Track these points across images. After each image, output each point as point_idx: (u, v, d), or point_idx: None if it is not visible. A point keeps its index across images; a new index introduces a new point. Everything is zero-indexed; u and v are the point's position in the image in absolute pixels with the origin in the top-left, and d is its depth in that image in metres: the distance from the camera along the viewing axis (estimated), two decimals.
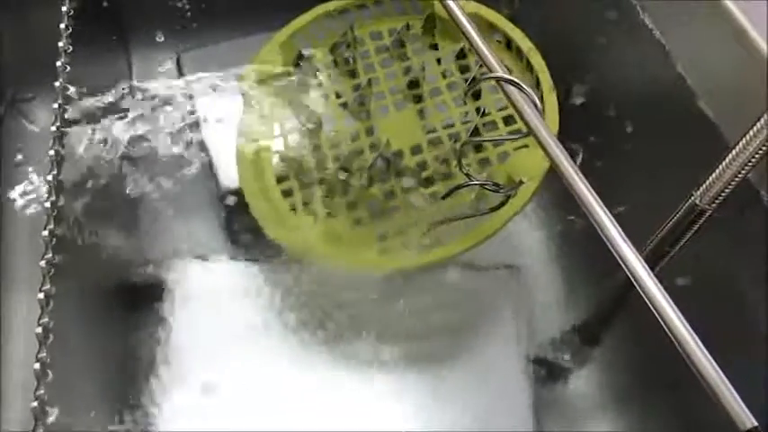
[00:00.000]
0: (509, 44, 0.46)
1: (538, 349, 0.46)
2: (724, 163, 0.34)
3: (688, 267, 0.39)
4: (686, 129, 0.42)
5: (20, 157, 0.51)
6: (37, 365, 0.30)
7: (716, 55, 0.40)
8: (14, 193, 0.49)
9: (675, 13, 0.42)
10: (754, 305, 0.39)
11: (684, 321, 0.25)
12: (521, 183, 0.38)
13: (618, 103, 0.47)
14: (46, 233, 0.34)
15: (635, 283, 0.26)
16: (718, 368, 0.24)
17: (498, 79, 0.31)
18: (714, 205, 0.36)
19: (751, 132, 0.33)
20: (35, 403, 0.29)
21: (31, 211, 0.49)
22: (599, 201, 0.28)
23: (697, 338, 0.24)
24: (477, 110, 0.45)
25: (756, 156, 0.33)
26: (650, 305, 0.26)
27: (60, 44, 0.41)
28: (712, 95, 0.40)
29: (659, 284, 0.26)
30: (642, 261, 0.26)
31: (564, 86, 0.43)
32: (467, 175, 0.37)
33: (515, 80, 0.31)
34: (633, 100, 0.46)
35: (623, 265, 0.27)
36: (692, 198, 0.36)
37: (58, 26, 0.42)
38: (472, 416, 0.44)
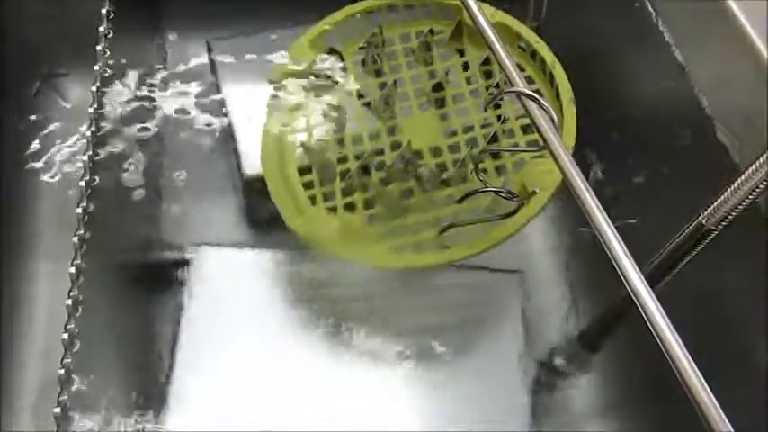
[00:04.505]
0: (533, 54, 0.47)
1: (538, 352, 0.47)
2: (732, 186, 0.35)
3: (691, 285, 0.40)
4: (700, 149, 0.43)
5: (52, 131, 0.53)
6: (65, 335, 0.32)
7: (733, 81, 0.41)
8: (43, 167, 0.51)
9: (697, 35, 0.43)
10: (754, 323, 0.40)
11: (679, 340, 0.26)
12: (533, 193, 0.39)
13: (635, 119, 0.48)
14: (79, 210, 0.35)
15: (634, 298, 0.27)
16: (707, 387, 0.25)
17: (519, 93, 0.33)
18: (720, 227, 0.37)
19: (760, 159, 0.34)
20: (62, 371, 0.31)
21: (59, 185, 0.50)
22: (608, 220, 0.29)
23: (689, 357, 0.25)
24: (498, 117, 0.46)
25: (765, 182, 0.34)
26: (647, 321, 0.27)
27: (101, 29, 0.43)
28: (728, 119, 0.41)
29: (657, 301, 0.27)
30: (643, 280, 0.27)
31: (584, 99, 0.44)
32: (482, 181, 0.39)
33: (535, 96, 0.32)
34: (650, 117, 0.47)
35: (626, 283, 0.28)
36: (699, 218, 0.37)
37: (100, 10, 0.44)
38: (470, 415, 0.45)
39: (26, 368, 0.48)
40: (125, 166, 0.45)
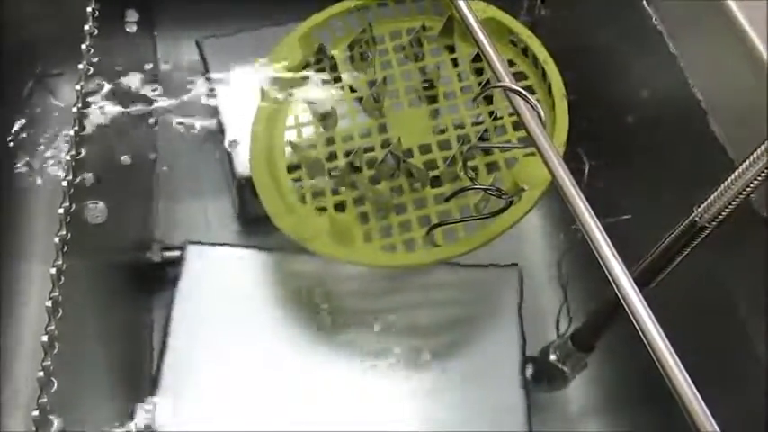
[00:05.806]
0: (525, 50, 0.46)
1: (534, 351, 0.47)
2: (726, 182, 0.34)
3: (684, 283, 0.40)
4: (695, 145, 0.42)
5: (44, 131, 0.53)
6: (45, 338, 0.31)
7: (729, 76, 0.40)
8: (34, 167, 0.51)
9: (693, 30, 0.42)
10: (749, 322, 0.40)
11: (666, 340, 0.25)
12: (522, 190, 0.38)
13: (629, 115, 0.47)
14: (61, 210, 0.35)
15: (621, 298, 0.27)
16: (694, 387, 0.24)
17: (505, 89, 0.32)
18: (714, 223, 0.36)
19: (754, 154, 0.33)
20: (41, 373, 0.31)
21: (49, 185, 0.50)
22: (595, 218, 0.28)
23: (677, 358, 0.25)
24: (489, 113, 0.45)
25: (759, 178, 0.34)
26: (634, 321, 0.26)
27: (86, 27, 0.42)
28: (723, 115, 0.40)
29: (644, 301, 0.26)
30: (630, 279, 0.27)
31: (577, 95, 0.43)
32: (471, 179, 0.38)
33: (521, 91, 0.31)
34: (644, 112, 0.46)
35: (612, 282, 0.27)
36: (693, 215, 0.36)
37: (86, 9, 0.43)
38: (466, 413, 0.45)
39: (15, 369, 0.48)
40: (113, 165, 0.44)
